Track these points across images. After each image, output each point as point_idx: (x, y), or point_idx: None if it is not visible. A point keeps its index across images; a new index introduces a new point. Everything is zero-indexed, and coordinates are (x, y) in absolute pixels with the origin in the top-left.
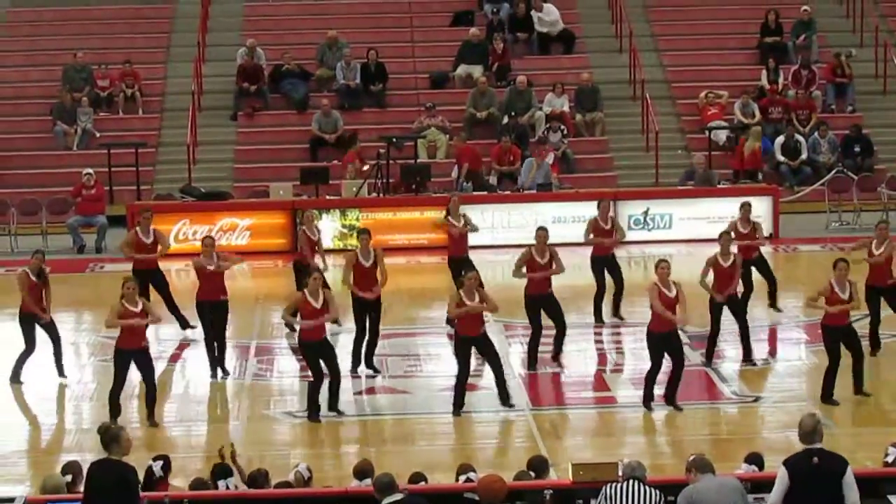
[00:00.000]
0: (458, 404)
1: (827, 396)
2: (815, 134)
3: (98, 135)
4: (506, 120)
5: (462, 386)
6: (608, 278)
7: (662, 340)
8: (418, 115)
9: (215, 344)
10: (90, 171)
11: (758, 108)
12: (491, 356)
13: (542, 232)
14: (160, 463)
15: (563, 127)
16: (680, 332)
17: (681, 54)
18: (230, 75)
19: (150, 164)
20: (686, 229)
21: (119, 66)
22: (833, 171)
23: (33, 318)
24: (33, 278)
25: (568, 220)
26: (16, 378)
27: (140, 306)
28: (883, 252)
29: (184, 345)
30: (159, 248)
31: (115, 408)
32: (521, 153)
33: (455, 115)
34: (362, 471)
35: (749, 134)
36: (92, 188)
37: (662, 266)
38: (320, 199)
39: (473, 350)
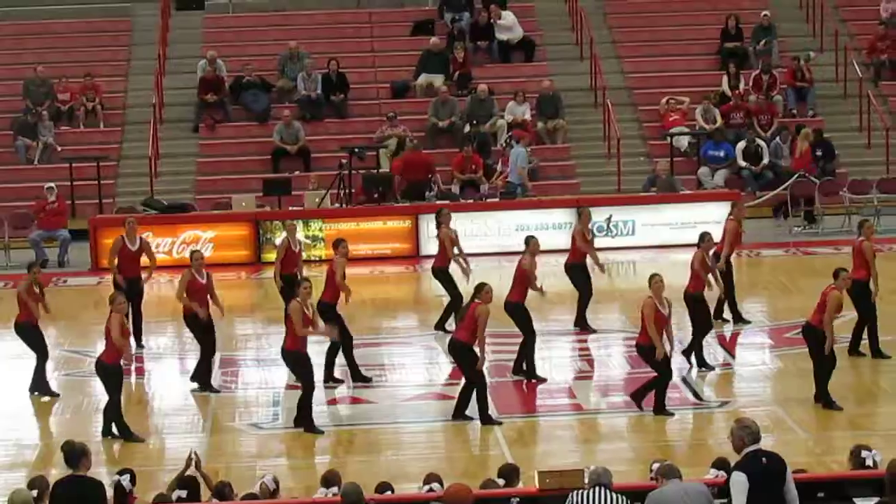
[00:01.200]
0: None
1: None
2: (777, 139)
3: (59, 149)
4: (468, 128)
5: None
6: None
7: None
8: (380, 125)
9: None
10: (52, 185)
11: (719, 114)
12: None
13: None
14: (127, 476)
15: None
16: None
17: (641, 61)
18: (191, 87)
19: (112, 177)
20: (649, 235)
21: (79, 80)
22: (795, 176)
23: (36, 327)
24: (37, 289)
25: (531, 227)
26: (47, 390)
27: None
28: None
29: (140, 357)
30: (144, 258)
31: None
32: (482, 161)
33: (417, 125)
34: (328, 480)
35: (800, 135)
36: (54, 202)
37: (657, 280)
38: (283, 210)
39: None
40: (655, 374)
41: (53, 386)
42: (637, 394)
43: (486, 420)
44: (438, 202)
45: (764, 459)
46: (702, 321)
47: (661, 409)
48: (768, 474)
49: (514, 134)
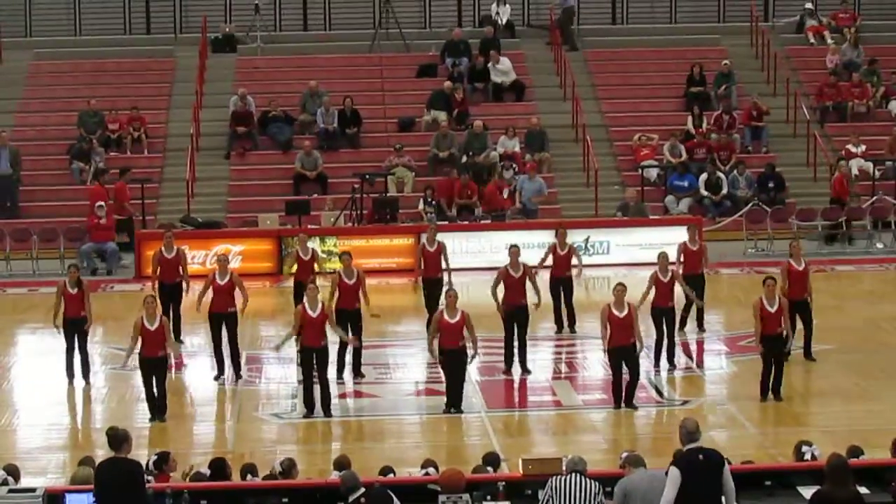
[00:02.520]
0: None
1: (764, 395)
2: (735, 172)
3: (109, 172)
4: (464, 159)
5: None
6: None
7: (620, 354)
8: (388, 155)
9: (228, 349)
10: (102, 203)
11: (684, 149)
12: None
13: (514, 248)
14: (154, 458)
15: (514, 165)
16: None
17: (617, 102)
18: (224, 120)
19: (155, 197)
20: (622, 255)
21: (127, 112)
22: (750, 205)
23: (71, 322)
24: (70, 289)
25: (519, 246)
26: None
27: (157, 323)
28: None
29: (180, 355)
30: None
31: (151, 405)
32: (477, 188)
33: (420, 155)
34: (340, 464)
35: (838, 167)
36: (103, 218)
37: (619, 289)
38: (303, 228)
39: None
40: (630, 376)
41: (101, 378)
42: (628, 397)
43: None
44: (438, 222)
45: (701, 456)
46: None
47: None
48: (703, 468)
49: (524, 167)
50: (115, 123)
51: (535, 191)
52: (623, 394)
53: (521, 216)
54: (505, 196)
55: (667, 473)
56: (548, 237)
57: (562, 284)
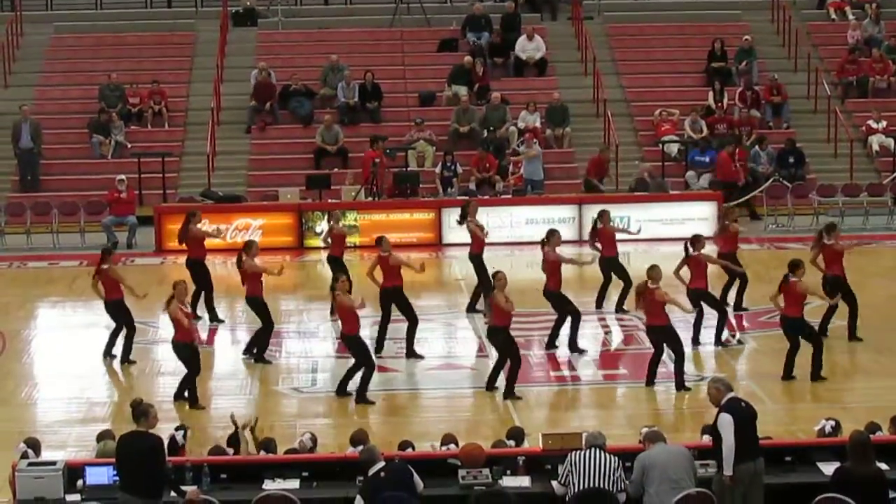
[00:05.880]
0: (509, 389)
1: (786, 375)
2: (756, 147)
3: (129, 145)
4: (485, 134)
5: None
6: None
7: (662, 332)
8: (409, 130)
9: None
10: (122, 177)
11: (705, 125)
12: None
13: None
14: (181, 432)
15: (535, 140)
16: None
17: (638, 77)
18: (245, 94)
19: (175, 171)
20: (643, 230)
21: (148, 86)
22: (770, 180)
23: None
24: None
25: (539, 221)
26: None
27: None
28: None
29: (213, 330)
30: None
31: (193, 395)
32: (497, 162)
33: (441, 130)
34: (357, 439)
35: None
36: (124, 192)
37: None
38: (323, 202)
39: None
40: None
41: (121, 351)
42: (649, 375)
43: (510, 393)
44: (459, 197)
45: (743, 404)
46: None
47: (650, 379)
48: (747, 416)
49: (527, 138)
50: (135, 97)
51: (534, 158)
52: (654, 373)
53: (522, 192)
54: (510, 171)
55: (714, 424)
56: (568, 213)
57: (619, 264)
